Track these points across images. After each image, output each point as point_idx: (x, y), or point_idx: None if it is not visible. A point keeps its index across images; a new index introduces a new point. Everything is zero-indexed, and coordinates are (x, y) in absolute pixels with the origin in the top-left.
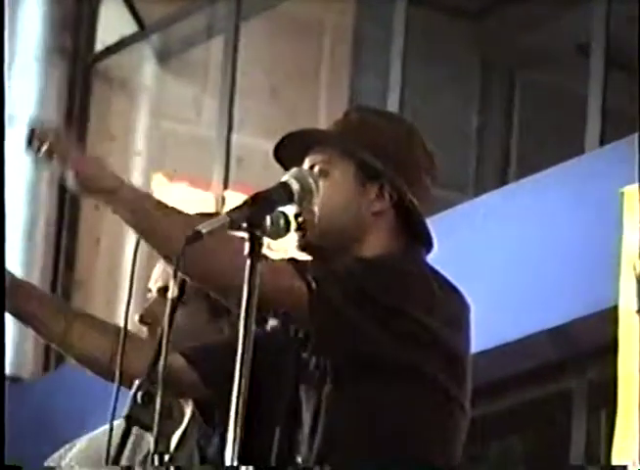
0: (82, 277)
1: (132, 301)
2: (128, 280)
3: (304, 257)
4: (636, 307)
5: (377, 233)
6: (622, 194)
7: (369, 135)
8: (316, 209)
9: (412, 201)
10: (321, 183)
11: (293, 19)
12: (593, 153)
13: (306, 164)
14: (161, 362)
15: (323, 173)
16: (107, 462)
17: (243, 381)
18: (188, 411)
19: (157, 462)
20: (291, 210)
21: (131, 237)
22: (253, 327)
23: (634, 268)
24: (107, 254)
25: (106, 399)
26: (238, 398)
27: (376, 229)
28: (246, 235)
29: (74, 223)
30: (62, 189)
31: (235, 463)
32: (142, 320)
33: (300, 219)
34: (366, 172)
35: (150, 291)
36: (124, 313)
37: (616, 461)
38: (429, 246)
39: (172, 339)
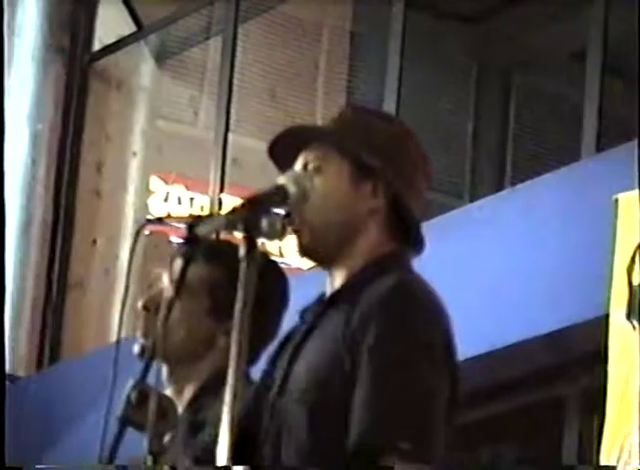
0: (78, 278)
1: (127, 300)
2: (124, 282)
3: (306, 263)
4: (628, 316)
5: (370, 231)
6: (617, 201)
7: (364, 133)
8: (310, 207)
9: (406, 201)
10: (315, 180)
11: (291, 21)
12: (589, 159)
13: (300, 161)
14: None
15: (317, 170)
16: (100, 462)
17: (236, 382)
18: (180, 411)
19: (150, 462)
20: (286, 211)
21: (127, 238)
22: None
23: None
24: (103, 255)
25: (100, 397)
26: (231, 399)
27: (369, 227)
28: (241, 236)
29: (70, 224)
30: (57, 190)
31: (228, 463)
32: (145, 307)
33: (295, 221)
34: (361, 170)
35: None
36: (119, 315)
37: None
38: (419, 248)
39: (168, 336)
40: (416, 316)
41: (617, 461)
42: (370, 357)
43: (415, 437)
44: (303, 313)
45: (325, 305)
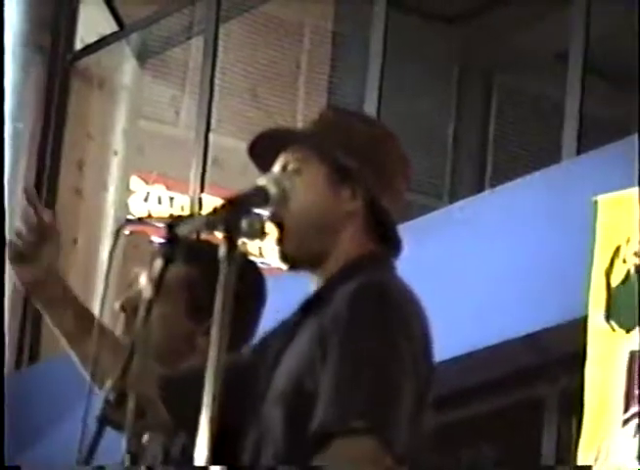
0: None
1: (106, 300)
2: (103, 282)
3: (284, 267)
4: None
5: (348, 234)
6: (596, 203)
7: (344, 136)
8: (290, 209)
9: (385, 204)
10: (294, 182)
11: (272, 20)
12: (569, 161)
13: (280, 163)
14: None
15: (296, 172)
16: (78, 462)
17: (215, 383)
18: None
19: (128, 462)
20: (266, 213)
21: (108, 238)
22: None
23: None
24: (83, 254)
25: (79, 397)
26: (210, 399)
27: (347, 229)
28: (222, 237)
29: None
30: (38, 188)
31: (206, 464)
32: (122, 308)
33: (275, 222)
34: (340, 173)
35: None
36: (98, 313)
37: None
38: (397, 251)
39: (147, 336)
40: (382, 315)
41: (595, 462)
42: (334, 353)
43: (370, 415)
44: (286, 321)
45: (302, 311)
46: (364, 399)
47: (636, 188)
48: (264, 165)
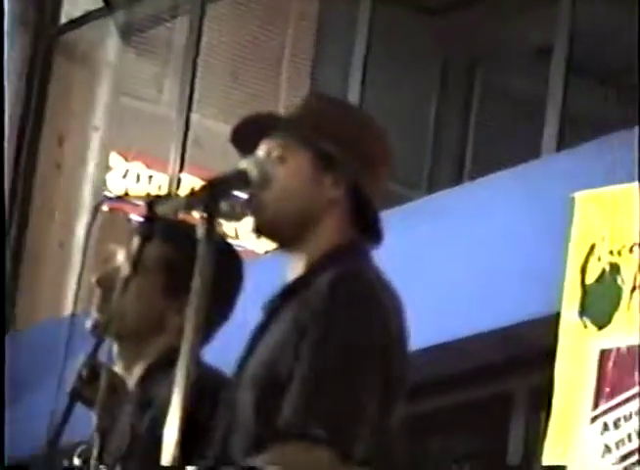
0: (33, 250)
1: (83, 275)
2: (80, 258)
3: (260, 240)
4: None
5: (330, 221)
6: (574, 199)
7: (328, 123)
8: (271, 194)
9: (367, 192)
10: (277, 168)
11: (258, 4)
12: (549, 156)
13: (262, 149)
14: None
15: (280, 159)
16: (48, 437)
17: (189, 362)
18: (129, 388)
19: (98, 440)
20: (246, 195)
21: (85, 213)
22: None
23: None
24: (59, 228)
25: (51, 371)
26: (183, 379)
27: (329, 217)
28: (200, 217)
29: (28, 196)
30: (17, 161)
31: (176, 443)
32: (98, 283)
33: (254, 204)
34: (323, 160)
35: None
36: (75, 291)
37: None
38: (378, 239)
39: (121, 313)
40: (358, 307)
41: (562, 458)
42: (307, 347)
43: (330, 426)
44: (265, 306)
45: (281, 297)
46: (328, 406)
47: (616, 186)
48: (246, 151)
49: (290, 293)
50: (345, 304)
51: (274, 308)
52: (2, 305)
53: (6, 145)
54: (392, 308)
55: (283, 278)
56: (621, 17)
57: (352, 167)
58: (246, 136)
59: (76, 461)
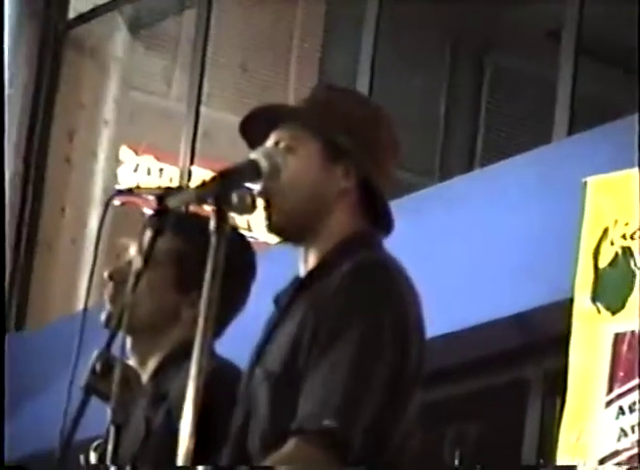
0: (45, 245)
1: (95, 270)
2: (93, 253)
3: (274, 238)
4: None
5: (341, 211)
6: (585, 184)
7: (337, 113)
8: (282, 185)
9: (376, 182)
10: (287, 159)
11: None
12: (560, 141)
13: (272, 140)
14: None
15: (290, 150)
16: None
17: (202, 355)
18: (143, 382)
19: (114, 434)
20: (257, 187)
21: (96, 207)
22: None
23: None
24: (71, 222)
25: (65, 366)
26: (197, 372)
27: (340, 207)
28: (212, 210)
29: (40, 190)
30: (27, 154)
31: (191, 436)
32: (111, 277)
33: (266, 197)
34: (333, 150)
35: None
36: (87, 286)
37: (563, 458)
38: (388, 228)
39: (134, 307)
40: (372, 301)
41: (576, 442)
42: (323, 343)
43: (341, 414)
44: (278, 298)
45: (296, 290)
46: (346, 399)
47: (627, 170)
48: (255, 143)
49: (303, 286)
50: (367, 293)
51: (288, 302)
52: (2, 304)
53: (16, 139)
54: (410, 298)
55: (295, 270)
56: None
57: (363, 158)
58: (255, 128)
59: (92, 456)
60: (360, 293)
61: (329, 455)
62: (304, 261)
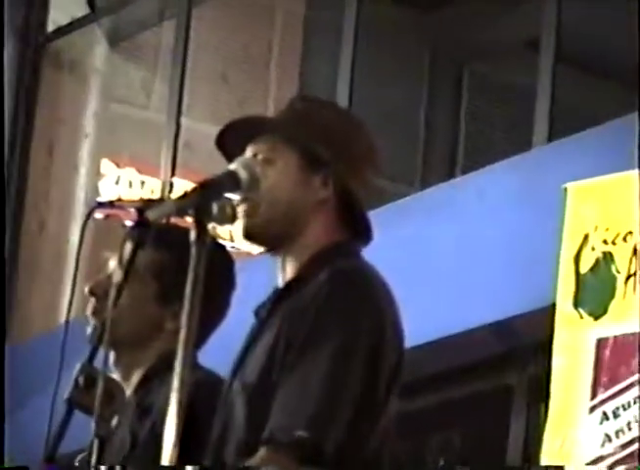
0: (28, 260)
1: (77, 284)
2: (74, 265)
3: (250, 245)
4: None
5: (319, 222)
6: (566, 190)
7: (314, 124)
8: (261, 196)
9: (355, 192)
10: (265, 171)
11: (244, 4)
12: (540, 148)
13: (249, 152)
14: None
15: (268, 162)
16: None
17: (185, 367)
18: (127, 395)
19: (97, 447)
20: (236, 197)
21: (77, 221)
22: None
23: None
24: (52, 237)
25: (48, 380)
26: (179, 384)
27: (318, 218)
28: (192, 221)
29: (20, 205)
30: (9, 170)
31: (174, 447)
32: (91, 292)
33: (245, 207)
34: (310, 161)
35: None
36: (69, 299)
37: (546, 462)
38: (367, 238)
39: (116, 320)
40: (348, 310)
41: (560, 448)
42: (298, 353)
43: (313, 425)
44: (258, 310)
45: (274, 301)
46: (318, 409)
47: (607, 175)
48: (232, 156)
49: (281, 297)
50: (342, 302)
51: (266, 314)
52: (2, 313)
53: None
54: (387, 306)
55: (275, 280)
56: (608, 7)
57: (340, 168)
58: (231, 141)
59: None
60: (335, 302)
61: (301, 466)
62: (282, 271)
